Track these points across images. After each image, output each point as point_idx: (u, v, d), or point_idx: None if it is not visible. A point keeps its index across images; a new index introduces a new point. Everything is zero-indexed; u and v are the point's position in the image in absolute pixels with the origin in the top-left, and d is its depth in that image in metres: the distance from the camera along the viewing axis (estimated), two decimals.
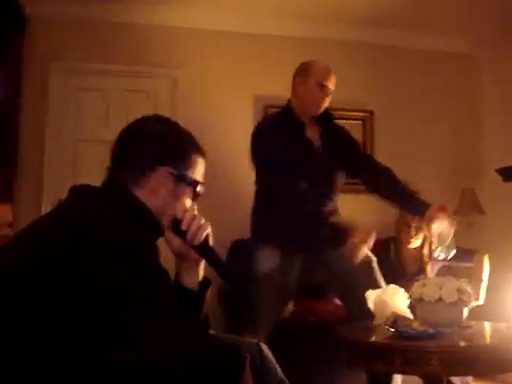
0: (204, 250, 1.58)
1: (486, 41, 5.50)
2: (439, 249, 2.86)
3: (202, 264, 1.63)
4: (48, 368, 1.35)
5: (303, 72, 3.25)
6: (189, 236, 1.55)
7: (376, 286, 2.91)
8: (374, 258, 3.12)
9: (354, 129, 5.32)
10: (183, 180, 1.60)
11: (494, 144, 5.36)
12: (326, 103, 3.25)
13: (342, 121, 5.25)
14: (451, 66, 5.62)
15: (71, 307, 1.35)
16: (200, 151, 1.67)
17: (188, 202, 1.62)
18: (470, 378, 3.76)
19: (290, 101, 3.30)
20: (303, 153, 3.15)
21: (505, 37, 5.13)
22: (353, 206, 5.19)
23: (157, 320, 1.34)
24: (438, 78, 5.56)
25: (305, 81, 3.21)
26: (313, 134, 3.24)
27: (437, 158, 5.45)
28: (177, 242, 1.57)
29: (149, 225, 1.53)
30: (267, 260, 3.07)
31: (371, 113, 5.39)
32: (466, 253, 3.96)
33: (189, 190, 1.62)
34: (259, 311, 2.93)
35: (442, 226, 2.87)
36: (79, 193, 1.58)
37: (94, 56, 4.87)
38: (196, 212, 1.59)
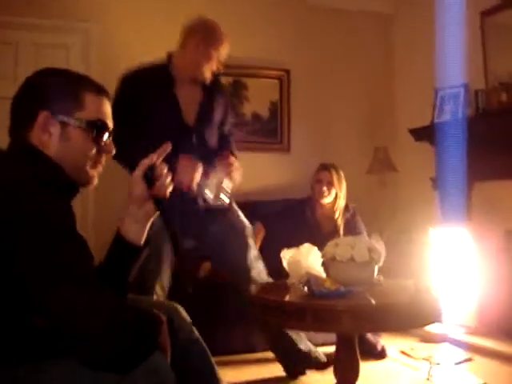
0: (162, 204, 1.59)
1: (401, 0, 5.57)
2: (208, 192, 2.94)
3: (150, 221, 1.61)
4: None
5: (190, 31, 3.15)
6: (157, 185, 1.56)
7: None
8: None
9: (271, 87, 5.35)
10: (69, 121, 1.53)
11: (407, 104, 5.48)
12: (211, 69, 3.15)
13: (259, 79, 5.30)
14: (368, 26, 5.69)
15: None
16: (97, 90, 1.60)
17: (93, 147, 1.57)
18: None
19: (171, 54, 3.21)
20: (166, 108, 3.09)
21: None
22: (268, 166, 5.25)
23: (71, 290, 1.31)
24: (355, 37, 5.61)
25: (189, 40, 3.12)
26: (187, 94, 3.16)
27: (351, 118, 5.54)
28: (141, 187, 1.55)
29: (61, 185, 1.49)
30: None
31: (287, 72, 5.39)
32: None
33: (82, 132, 1.55)
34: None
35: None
36: None
37: (2, 8, 4.63)
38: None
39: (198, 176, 2.93)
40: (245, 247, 3.23)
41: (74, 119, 1.54)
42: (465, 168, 4.29)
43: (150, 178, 1.55)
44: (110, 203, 4.38)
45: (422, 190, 4.92)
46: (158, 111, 3.05)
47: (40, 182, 1.40)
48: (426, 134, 4.78)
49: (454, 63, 4.48)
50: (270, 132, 5.33)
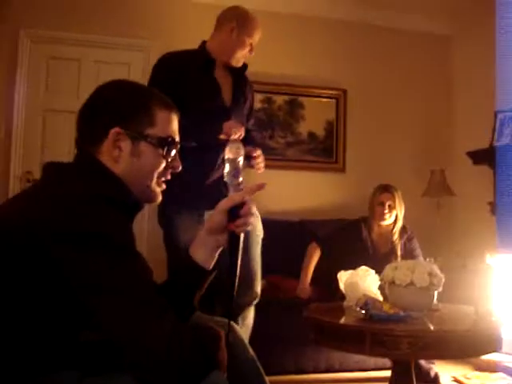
0: (235, 242, 1.52)
1: (460, 22, 5.51)
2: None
3: (219, 250, 1.56)
4: (13, 349, 1.33)
5: (224, 17, 3.18)
6: (238, 222, 1.50)
7: None
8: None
9: (327, 107, 5.34)
10: (140, 138, 1.53)
11: (465, 127, 5.40)
12: (243, 55, 3.17)
13: (315, 98, 5.30)
14: (426, 46, 5.63)
15: (39, 294, 1.32)
16: (167, 106, 1.59)
17: (162, 163, 1.56)
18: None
19: (204, 42, 3.24)
20: (210, 92, 3.10)
21: (479, 18, 5.13)
22: (323, 185, 5.23)
23: (133, 310, 1.30)
24: (413, 57, 5.57)
25: (223, 27, 3.15)
26: (222, 77, 3.17)
27: (408, 139, 5.48)
28: (221, 218, 1.51)
29: (124, 203, 1.49)
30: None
31: (344, 91, 5.38)
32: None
33: (153, 148, 1.54)
34: None
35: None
36: (50, 172, 1.52)
37: (66, 25, 4.75)
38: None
39: (238, 135, 2.91)
40: (259, 256, 3.19)
41: (146, 135, 1.53)
42: None
43: (235, 213, 1.50)
44: None
45: (479, 215, 4.82)
46: (198, 92, 3.04)
47: (103, 199, 1.39)
48: (484, 156, 4.69)
49: None
50: (326, 151, 5.31)
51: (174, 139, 1.59)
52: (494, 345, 2.29)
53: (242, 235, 1.54)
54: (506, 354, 4.15)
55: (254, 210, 1.52)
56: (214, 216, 1.52)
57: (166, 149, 1.56)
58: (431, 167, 5.20)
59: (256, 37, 3.15)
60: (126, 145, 1.52)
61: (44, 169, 1.53)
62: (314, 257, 4.01)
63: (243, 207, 1.50)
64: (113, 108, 1.55)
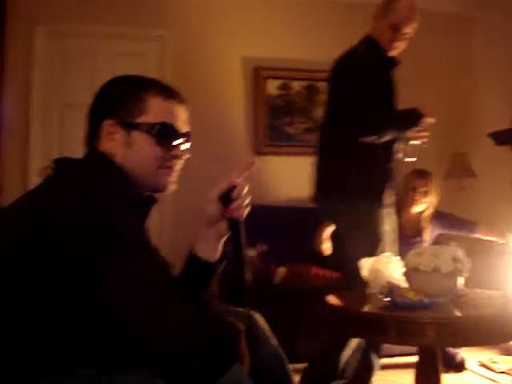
0: (236, 227, 1.50)
1: (482, 2, 5.41)
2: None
3: (223, 240, 1.56)
4: (29, 347, 1.34)
5: (383, 8, 3.11)
6: (233, 206, 1.48)
7: None
8: None
9: None
10: (132, 127, 1.52)
11: (487, 108, 5.32)
12: (401, 47, 3.15)
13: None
14: (447, 27, 5.55)
15: (54, 290, 1.31)
16: (163, 94, 1.56)
17: (158, 151, 1.54)
18: None
19: (370, 35, 3.17)
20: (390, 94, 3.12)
21: None
22: None
23: (145, 306, 1.28)
24: (434, 39, 5.46)
25: (379, 18, 3.09)
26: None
27: None
28: (216, 206, 1.50)
29: (133, 197, 1.49)
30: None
31: None
32: (464, 223, 3.98)
33: (146, 136, 1.52)
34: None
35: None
36: (61, 168, 1.52)
37: (81, 17, 4.74)
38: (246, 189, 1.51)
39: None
40: None
41: (137, 124, 1.52)
42: None
43: (228, 197, 1.48)
44: (186, 216, 4.45)
45: (503, 196, 4.75)
46: (380, 92, 3.08)
47: (113, 195, 1.39)
48: (506, 137, 4.61)
49: None
50: None
51: (170, 126, 1.55)
52: None
53: (242, 218, 1.51)
54: None
55: (246, 190, 1.50)
56: (207, 208, 1.51)
57: (161, 136, 1.53)
58: (453, 149, 5.13)
59: (407, 25, 3.12)
60: (119, 136, 1.52)
61: (55, 164, 1.53)
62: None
63: (234, 190, 1.48)
64: (105, 101, 1.56)
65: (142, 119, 1.52)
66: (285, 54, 5.06)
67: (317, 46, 5.17)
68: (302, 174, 4.97)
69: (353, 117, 2.97)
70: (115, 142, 1.51)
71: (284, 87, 5.15)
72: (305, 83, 5.17)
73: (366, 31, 4.89)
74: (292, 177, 4.84)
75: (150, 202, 1.57)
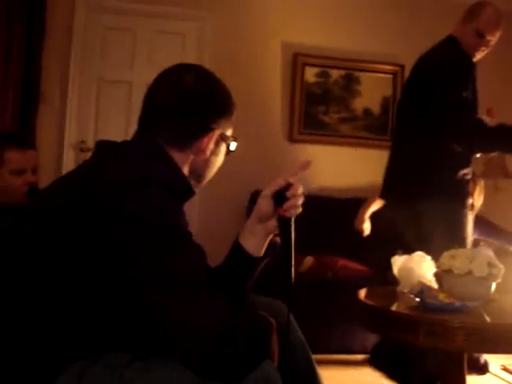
0: (287, 226, 1.47)
1: None
2: None
3: (270, 237, 1.54)
4: (64, 330, 1.35)
5: (469, 12, 3.11)
6: (286, 206, 1.45)
7: None
8: None
9: (384, 82, 5.21)
10: (225, 140, 1.59)
11: None
12: (482, 54, 3.12)
13: (372, 74, 5.19)
14: None
15: (89, 276, 1.32)
16: (235, 106, 1.63)
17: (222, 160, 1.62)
18: None
19: (455, 36, 3.16)
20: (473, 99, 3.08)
21: None
22: (377, 162, 5.09)
23: (185, 297, 1.28)
24: None
25: (465, 21, 3.09)
26: None
27: None
28: (268, 204, 1.48)
29: (179, 191, 1.46)
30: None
31: (402, 67, 5.22)
32: (503, 233, 3.93)
33: (226, 149, 1.62)
34: None
35: None
36: (103, 152, 1.49)
37: None
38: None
39: None
40: None
41: (227, 137, 1.60)
42: None
43: (282, 196, 1.45)
44: (215, 208, 4.46)
45: None
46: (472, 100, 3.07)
47: (156, 183, 1.36)
48: None
49: None
50: (381, 128, 5.20)
51: (236, 139, 1.64)
52: None
53: (293, 218, 1.48)
54: None
55: (301, 190, 1.47)
56: (260, 204, 1.49)
57: (229, 148, 1.63)
58: None
59: (492, 32, 3.12)
60: (216, 146, 1.58)
61: (96, 147, 1.51)
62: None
63: (289, 189, 1.45)
64: (212, 108, 1.56)
65: (229, 132, 1.61)
66: (325, 41, 5.01)
67: (357, 36, 5.11)
68: (333, 163, 4.97)
69: (456, 130, 3.03)
70: (207, 153, 1.56)
71: (322, 75, 5.10)
72: (343, 72, 5.11)
73: (410, 21, 4.81)
74: (323, 166, 4.80)
75: (189, 194, 1.56)
